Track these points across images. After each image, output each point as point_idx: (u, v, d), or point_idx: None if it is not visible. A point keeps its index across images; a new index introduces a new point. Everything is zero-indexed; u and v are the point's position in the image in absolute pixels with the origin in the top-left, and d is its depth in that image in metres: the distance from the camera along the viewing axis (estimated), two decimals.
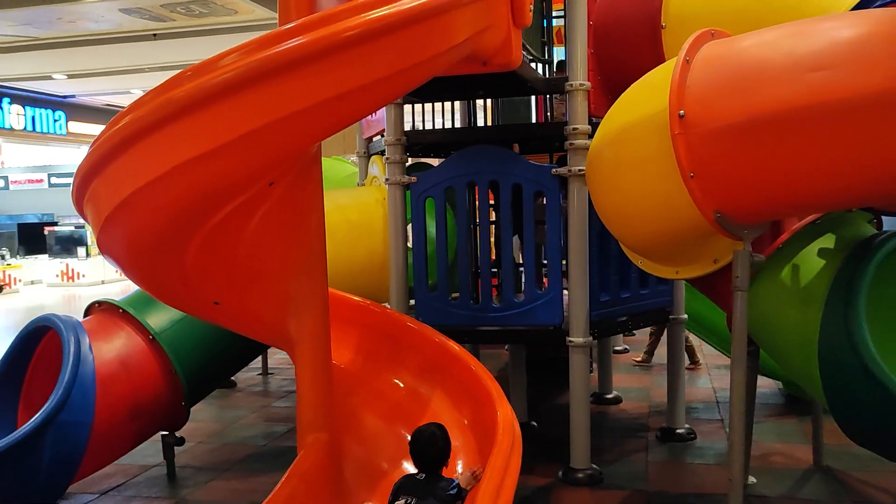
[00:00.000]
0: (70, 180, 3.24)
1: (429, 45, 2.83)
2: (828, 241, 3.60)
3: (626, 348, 8.64)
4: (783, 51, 2.92)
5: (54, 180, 25.79)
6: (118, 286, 18.15)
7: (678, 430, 5.40)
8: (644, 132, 3.26)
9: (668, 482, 4.62)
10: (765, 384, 6.50)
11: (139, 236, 2.81)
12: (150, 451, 5.21)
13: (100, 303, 4.85)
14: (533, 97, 6.59)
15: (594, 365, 6.79)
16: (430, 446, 3.00)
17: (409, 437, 3.09)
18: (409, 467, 3.26)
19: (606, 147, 3.57)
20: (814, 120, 2.78)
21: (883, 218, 3.98)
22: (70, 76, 17.13)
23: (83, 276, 19.58)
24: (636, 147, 3.36)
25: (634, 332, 9.15)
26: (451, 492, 2.91)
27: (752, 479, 4.48)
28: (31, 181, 27.04)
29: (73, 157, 23.27)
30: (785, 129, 2.83)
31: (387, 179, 4.83)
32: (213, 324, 3.95)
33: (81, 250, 20.08)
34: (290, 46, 2.51)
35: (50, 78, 17.40)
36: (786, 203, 3.10)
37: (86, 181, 2.78)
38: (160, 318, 4.64)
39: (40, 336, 4.50)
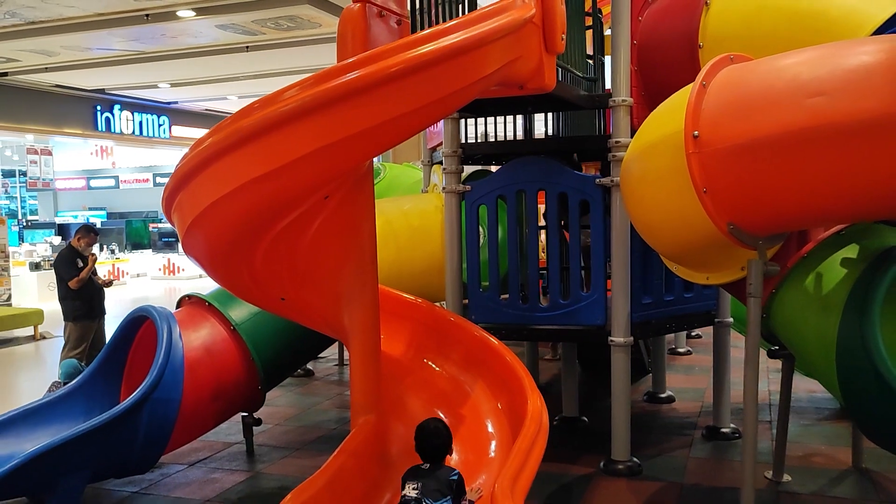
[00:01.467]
0: None
1: (463, 76, 3.20)
2: (851, 251, 3.78)
3: (689, 350, 8.74)
4: (788, 77, 3.15)
5: (159, 180, 27.47)
6: (212, 281, 19.22)
7: (723, 430, 5.58)
8: (664, 150, 3.53)
9: (705, 477, 4.84)
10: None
11: (216, 241, 3.32)
12: (232, 430, 5.84)
13: (190, 296, 5.46)
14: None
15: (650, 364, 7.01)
16: (436, 437, 3.32)
17: (420, 428, 3.39)
18: None
19: (633, 162, 3.85)
20: (812, 142, 3.00)
21: None
22: (173, 84, 18.33)
23: (182, 270, 20.79)
24: (657, 163, 3.63)
25: (700, 334, 9.34)
26: (453, 477, 3.22)
27: (787, 477, 4.66)
28: (138, 181, 28.89)
29: (175, 159, 24.47)
30: (785, 149, 3.06)
31: (444, 188, 5.23)
32: (283, 317, 4.44)
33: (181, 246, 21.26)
34: (340, 82, 2.91)
35: (155, 87, 18.64)
36: (793, 217, 3.31)
37: (174, 193, 3.29)
38: (240, 311, 5.19)
39: (139, 324, 5.10)
